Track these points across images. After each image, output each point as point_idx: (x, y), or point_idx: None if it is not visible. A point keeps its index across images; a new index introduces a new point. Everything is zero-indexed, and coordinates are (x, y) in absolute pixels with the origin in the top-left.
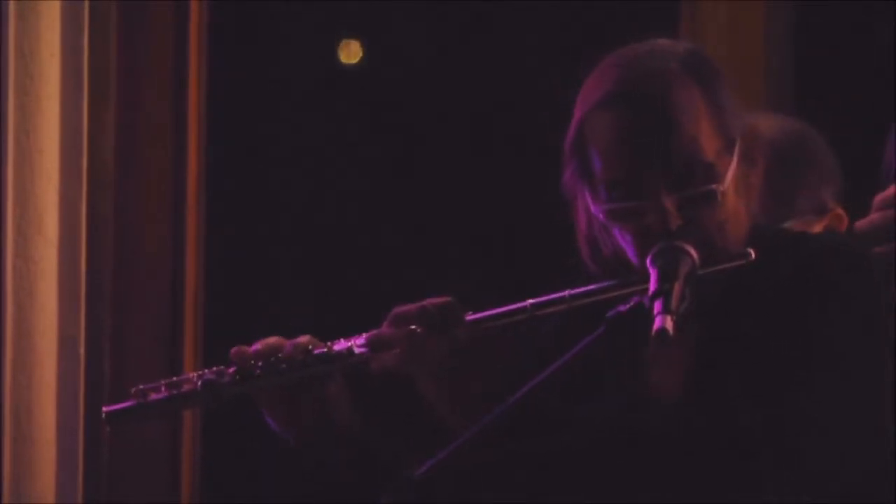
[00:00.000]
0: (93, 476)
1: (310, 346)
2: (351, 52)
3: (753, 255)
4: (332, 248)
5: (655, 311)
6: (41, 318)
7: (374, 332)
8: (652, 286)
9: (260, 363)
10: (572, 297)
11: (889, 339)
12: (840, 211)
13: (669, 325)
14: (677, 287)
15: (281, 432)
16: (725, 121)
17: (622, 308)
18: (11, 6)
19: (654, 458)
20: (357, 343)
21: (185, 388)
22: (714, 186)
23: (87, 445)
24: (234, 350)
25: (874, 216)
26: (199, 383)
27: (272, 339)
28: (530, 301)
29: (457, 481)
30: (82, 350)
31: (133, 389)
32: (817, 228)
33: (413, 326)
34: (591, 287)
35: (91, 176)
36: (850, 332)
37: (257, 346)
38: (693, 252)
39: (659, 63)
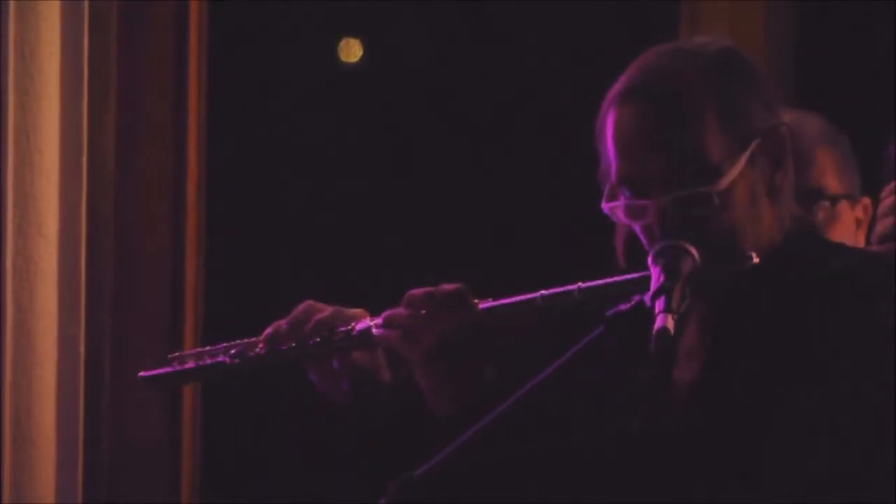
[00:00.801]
0: (93, 476)
1: (333, 323)
2: (351, 51)
3: (756, 260)
4: (333, 247)
5: (656, 310)
6: (41, 318)
7: (389, 312)
8: (653, 285)
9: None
10: (582, 291)
11: None
12: (867, 200)
13: (670, 324)
14: (678, 286)
15: (322, 391)
16: (743, 123)
17: (623, 307)
18: (11, 6)
19: (653, 459)
20: (376, 323)
21: (219, 357)
22: (708, 189)
23: (87, 445)
24: (266, 331)
25: (878, 228)
26: (232, 353)
27: (302, 309)
28: (541, 292)
29: (456, 481)
30: (82, 350)
31: (169, 356)
32: (850, 217)
33: (420, 310)
34: (604, 281)
35: (91, 176)
36: (857, 356)
37: (292, 317)
38: (694, 252)
39: (673, 62)
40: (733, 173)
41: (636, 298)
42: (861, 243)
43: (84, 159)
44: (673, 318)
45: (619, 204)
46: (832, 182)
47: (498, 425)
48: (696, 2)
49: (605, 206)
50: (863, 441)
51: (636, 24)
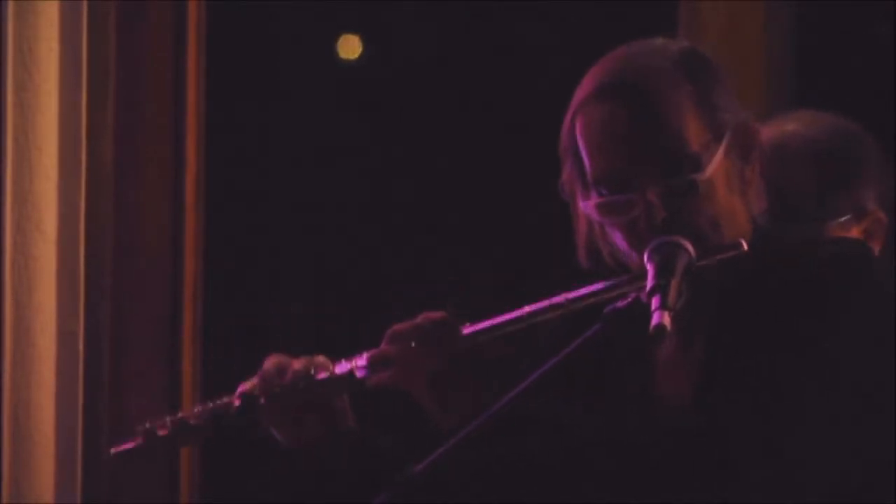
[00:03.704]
0: (92, 474)
1: (312, 371)
2: (350, 48)
3: (745, 247)
4: (332, 246)
5: (653, 307)
6: (40, 316)
7: (374, 351)
8: (649, 282)
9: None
10: (569, 301)
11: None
12: (881, 214)
13: (667, 320)
14: (675, 282)
15: (284, 443)
16: (716, 116)
17: (620, 304)
18: (10, 4)
19: (649, 462)
20: (359, 364)
21: (192, 422)
22: (694, 176)
23: (86, 443)
24: (239, 390)
25: None
26: (207, 417)
27: (274, 362)
28: (527, 309)
29: (453, 481)
30: (81, 347)
31: (139, 427)
32: (855, 231)
33: (410, 343)
34: (589, 290)
35: (90, 173)
36: (848, 345)
37: (261, 373)
38: (689, 246)
39: (646, 59)
40: (714, 163)
41: (632, 296)
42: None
43: (83, 157)
44: (670, 314)
45: (603, 200)
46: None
47: (494, 425)
48: (696, 2)
49: (584, 206)
50: (866, 432)
51: (636, 24)
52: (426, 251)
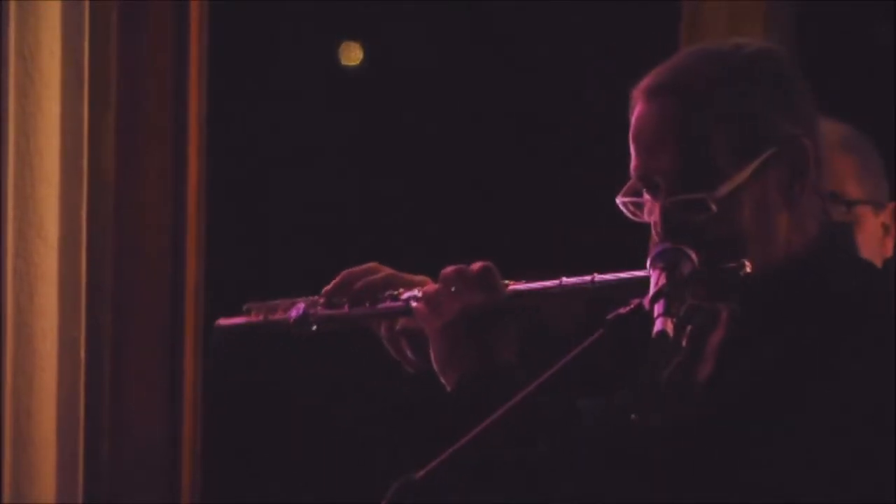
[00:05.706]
0: (93, 478)
1: (385, 286)
2: (351, 55)
3: (748, 268)
4: (333, 248)
5: (655, 314)
6: (41, 321)
7: (429, 285)
8: (652, 288)
9: (346, 299)
10: (596, 283)
11: None
12: (894, 204)
13: (669, 327)
14: (677, 290)
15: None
16: (756, 130)
17: (622, 310)
18: (12, 8)
19: (652, 461)
20: (416, 295)
21: (279, 315)
22: (704, 195)
23: (88, 447)
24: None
25: None
26: (294, 313)
27: (361, 268)
28: (563, 279)
29: (457, 484)
30: (82, 352)
31: (245, 307)
32: (873, 222)
33: (452, 287)
34: (620, 275)
35: (91, 178)
36: (859, 363)
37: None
38: (693, 255)
39: (694, 62)
40: (737, 180)
41: (635, 302)
42: (889, 249)
43: (84, 161)
44: (672, 321)
45: (624, 200)
46: (851, 188)
47: (496, 427)
48: (697, 1)
49: (618, 200)
50: (871, 450)
51: (636, 24)
52: (426, 253)
